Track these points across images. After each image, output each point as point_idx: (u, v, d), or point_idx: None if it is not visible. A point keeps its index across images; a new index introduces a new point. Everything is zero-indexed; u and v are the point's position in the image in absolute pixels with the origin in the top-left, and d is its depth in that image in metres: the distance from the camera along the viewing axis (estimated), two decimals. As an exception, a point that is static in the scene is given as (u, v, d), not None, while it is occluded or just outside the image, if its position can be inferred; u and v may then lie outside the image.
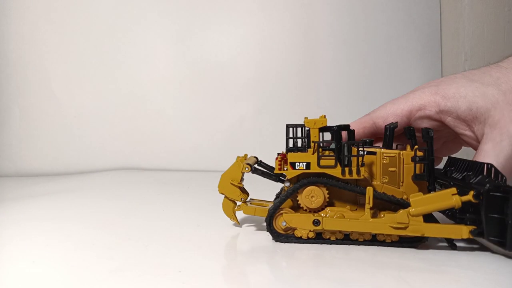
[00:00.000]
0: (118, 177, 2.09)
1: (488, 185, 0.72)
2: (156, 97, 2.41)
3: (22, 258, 0.81)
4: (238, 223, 1.03)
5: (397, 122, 0.90)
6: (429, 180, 0.83)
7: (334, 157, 0.84)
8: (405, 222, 0.79)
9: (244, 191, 0.99)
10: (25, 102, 2.41)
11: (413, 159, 0.82)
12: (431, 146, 0.82)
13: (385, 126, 0.89)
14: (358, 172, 0.83)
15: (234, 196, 0.97)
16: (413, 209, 0.78)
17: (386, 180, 0.86)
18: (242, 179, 0.98)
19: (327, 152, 0.85)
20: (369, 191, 0.81)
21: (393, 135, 0.88)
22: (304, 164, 0.85)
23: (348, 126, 0.90)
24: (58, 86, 2.41)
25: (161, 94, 2.41)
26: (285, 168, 0.88)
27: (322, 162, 0.84)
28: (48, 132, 2.41)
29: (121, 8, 2.38)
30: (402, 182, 0.85)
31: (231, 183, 0.96)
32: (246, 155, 1.03)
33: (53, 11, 2.38)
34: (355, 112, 2.30)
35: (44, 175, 2.32)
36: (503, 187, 0.72)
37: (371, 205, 0.81)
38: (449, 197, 0.76)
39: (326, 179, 0.85)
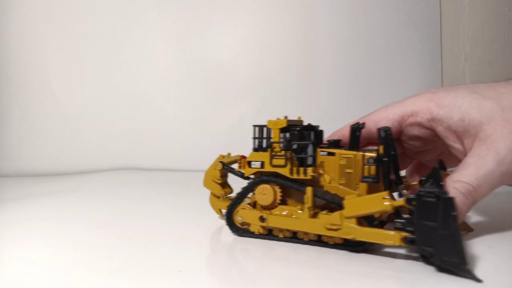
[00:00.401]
0: (118, 177, 2.09)
1: (420, 189, 0.68)
2: (156, 97, 2.41)
3: (22, 258, 0.81)
4: (223, 216, 1.05)
5: (363, 123, 0.87)
6: (385, 182, 0.79)
7: (284, 157, 0.86)
8: (338, 224, 0.78)
9: (225, 187, 1.04)
10: (25, 102, 2.42)
11: (369, 160, 0.80)
12: (387, 147, 0.78)
13: (350, 126, 0.87)
14: (305, 172, 0.84)
15: (215, 191, 1.03)
16: (345, 211, 0.77)
17: (344, 182, 0.85)
18: (224, 176, 1.03)
19: (283, 152, 0.86)
20: (308, 191, 0.82)
21: (355, 135, 0.86)
22: (259, 163, 0.89)
23: (314, 127, 0.91)
24: (58, 86, 2.41)
25: (161, 94, 2.41)
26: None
27: (274, 162, 0.87)
28: (48, 132, 2.42)
29: (121, 8, 2.38)
30: (358, 184, 0.83)
31: (212, 180, 1.02)
32: (229, 154, 1.07)
33: (53, 11, 2.38)
34: (355, 112, 2.30)
35: (44, 175, 2.33)
36: (436, 192, 0.67)
37: (310, 204, 0.82)
38: (380, 201, 0.72)
39: (274, 178, 0.87)
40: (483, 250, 0.80)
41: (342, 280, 0.68)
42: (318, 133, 0.92)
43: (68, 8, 2.38)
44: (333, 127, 0.98)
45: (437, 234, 0.66)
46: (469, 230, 0.92)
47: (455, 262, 0.65)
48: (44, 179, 2.12)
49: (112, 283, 0.68)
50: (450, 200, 0.66)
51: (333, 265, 0.74)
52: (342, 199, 0.80)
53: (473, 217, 1.09)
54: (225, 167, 1.00)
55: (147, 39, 2.40)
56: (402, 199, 0.71)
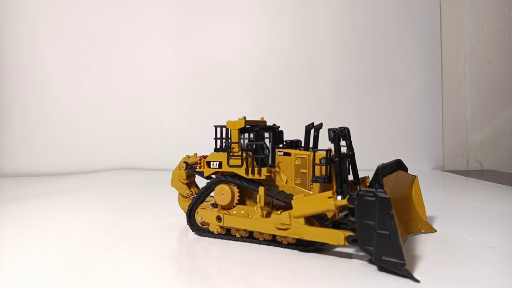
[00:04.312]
0: (118, 177, 2.09)
1: (361, 189, 0.69)
2: (156, 97, 2.41)
3: (22, 258, 0.81)
4: None
5: (320, 123, 0.88)
6: (337, 182, 0.79)
7: (240, 157, 0.87)
8: (287, 223, 0.79)
9: (192, 186, 1.05)
10: (25, 102, 2.41)
11: (321, 160, 0.80)
12: (338, 148, 0.79)
13: (305, 126, 0.87)
14: (259, 172, 0.85)
15: (182, 191, 1.05)
16: (293, 211, 0.78)
17: (299, 182, 0.86)
18: (191, 176, 1.05)
19: (239, 152, 0.88)
20: (260, 190, 0.82)
21: (308, 135, 0.87)
22: (217, 163, 0.91)
23: (271, 127, 0.92)
24: (58, 86, 2.41)
25: (161, 94, 2.41)
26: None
27: (231, 162, 0.89)
28: (48, 132, 2.41)
29: (121, 8, 2.38)
30: (312, 184, 0.84)
31: (178, 180, 1.04)
32: (195, 154, 1.09)
33: (53, 11, 2.38)
34: (355, 111, 2.31)
35: (44, 175, 2.33)
36: (375, 191, 0.67)
37: (262, 204, 0.82)
38: (325, 200, 0.73)
39: (230, 178, 0.89)
40: (483, 250, 0.81)
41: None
42: (278, 133, 0.94)
43: (68, 9, 2.38)
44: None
45: (375, 233, 0.67)
46: (432, 231, 0.93)
47: (394, 262, 0.66)
48: (44, 179, 2.12)
49: (112, 283, 0.68)
50: (387, 199, 0.66)
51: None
52: (291, 198, 0.81)
53: (472, 217, 1.09)
54: (188, 167, 1.02)
55: (147, 39, 2.40)
56: (345, 198, 0.71)
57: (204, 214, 0.92)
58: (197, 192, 1.04)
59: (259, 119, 0.98)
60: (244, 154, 0.87)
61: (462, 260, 0.75)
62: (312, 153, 0.84)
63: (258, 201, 0.83)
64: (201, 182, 1.02)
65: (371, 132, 2.29)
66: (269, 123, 0.98)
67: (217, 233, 0.91)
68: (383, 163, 0.83)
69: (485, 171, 2.26)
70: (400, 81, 2.32)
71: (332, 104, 2.32)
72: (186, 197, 1.04)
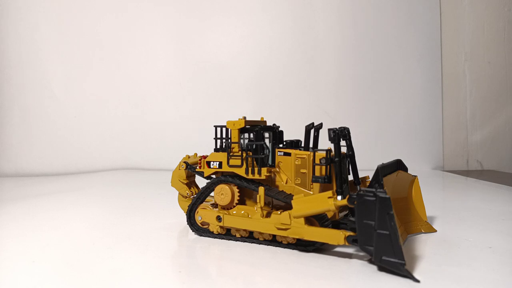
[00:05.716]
0: (118, 177, 2.09)
1: (361, 189, 0.69)
2: (156, 97, 2.41)
3: (22, 258, 0.81)
4: None
5: (320, 123, 0.89)
6: (337, 182, 0.78)
7: (240, 157, 0.87)
8: (287, 223, 0.79)
9: (192, 186, 1.06)
10: (25, 102, 2.42)
11: (321, 160, 0.80)
12: (338, 148, 0.79)
13: (305, 126, 0.87)
14: (259, 172, 0.85)
15: (182, 191, 1.05)
16: (293, 211, 0.78)
17: (299, 182, 0.86)
18: (191, 176, 1.05)
19: (239, 152, 0.88)
20: (260, 190, 0.83)
21: (308, 135, 0.87)
22: (217, 163, 0.91)
23: (271, 127, 0.92)
24: (58, 86, 2.41)
25: (161, 94, 2.41)
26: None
27: (231, 162, 0.89)
28: (48, 132, 2.42)
29: (121, 8, 2.38)
30: (312, 184, 0.84)
31: (178, 180, 1.04)
32: (195, 154, 1.09)
33: (53, 11, 2.38)
34: (355, 111, 2.31)
35: (44, 175, 2.33)
36: (375, 191, 0.67)
37: (262, 204, 0.83)
38: (325, 200, 0.73)
39: (230, 178, 0.89)
40: (483, 250, 0.81)
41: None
42: (278, 133, 0.94)
43: (67, 8, 2.38)
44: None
45: (375, 233, 0.67)
46: (432, 231, 0.93)
47: (394, 262, 0.66)
48: (44, 179, 2.12)
49: (112, 283, 0.68)
50: (387, 199, 0.66)
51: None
52: (291, 198, 0.81)
53: (472, 217, 1.09)
54: (188, 167, 1.02)
55: (147, 39, 2.40)
56: (345, 198, 0.71)
57: (204, 214, 0.92)
58: (197, 192, 1.04)
59: (259, 119, 0.97)
60: (244, 154, 0.87)
61: (462, 260, 0.75)
62: (312, 153, 0.84)
63: (258, 201, 0.83)
64: (201, 182, 1.02)
65: (371, 132, 2.29)
66: (269, 123, 0.98)
67: (217, 233, 0.91)
68: (383, 163, 0.83)
69: (485, 171, 2.26)
70: (400, 81, 2.31)
71: (332, 104, 2.31)
72: (186, 197, 1.04)
